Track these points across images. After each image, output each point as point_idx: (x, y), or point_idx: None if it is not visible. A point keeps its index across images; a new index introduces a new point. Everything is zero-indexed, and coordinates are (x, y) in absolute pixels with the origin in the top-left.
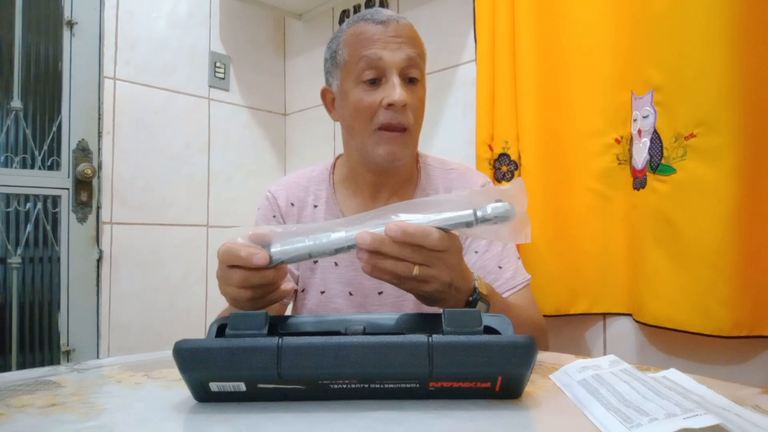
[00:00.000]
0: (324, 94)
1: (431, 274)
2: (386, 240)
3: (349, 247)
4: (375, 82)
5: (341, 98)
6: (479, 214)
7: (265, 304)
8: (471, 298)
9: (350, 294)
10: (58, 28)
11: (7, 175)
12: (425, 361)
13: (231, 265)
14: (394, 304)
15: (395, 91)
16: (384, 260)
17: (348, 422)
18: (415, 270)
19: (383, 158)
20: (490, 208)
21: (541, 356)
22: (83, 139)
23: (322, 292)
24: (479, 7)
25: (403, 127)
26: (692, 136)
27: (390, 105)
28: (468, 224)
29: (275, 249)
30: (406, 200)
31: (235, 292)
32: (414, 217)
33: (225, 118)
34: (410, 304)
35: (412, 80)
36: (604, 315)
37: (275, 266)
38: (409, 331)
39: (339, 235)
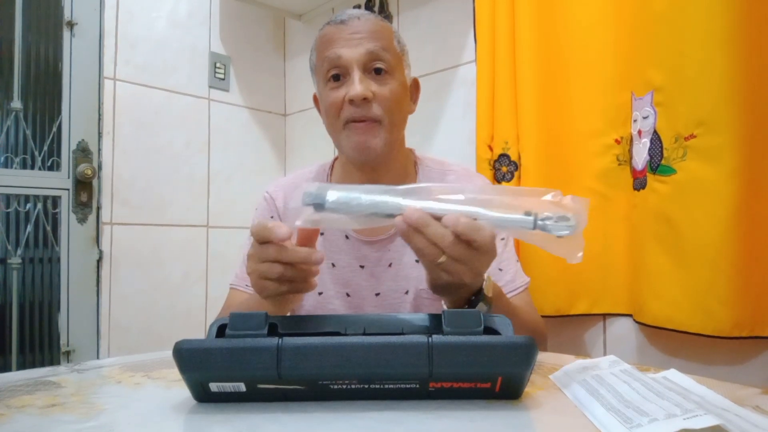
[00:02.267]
0: (314, 100)
1: (457, 269)
2: (431, 224)
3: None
4: (339, 80)
5: (319, 101)
6: (540, 223)
7: (291, 290)
8: (473, 297)
9: (347, 295)
10: (58, 28)
11: (7, 176)
12: (425, 361)
13: (263, 240)
14: (391, 306)
15: (353, 86)
16: (418, 237)
17: (348, 422)
18: (441, 258)
19: (354, 150)
20: (552, 222)
21: (541, 356)
22: (83, 140)
23: (320, 294)
24: (479, 7)
25: (368, 119)
26: (692, 136)
27: (351, 100)
28: (526, 229)
29: (331, 197)
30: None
31: (265, 268)
32: (475, 209)
33: (225, 118)
34: (407, 307)
35: (378, 71)
36: (604, 315)
37: (325, 213)
38: (409, 331)
39: (395, 201)
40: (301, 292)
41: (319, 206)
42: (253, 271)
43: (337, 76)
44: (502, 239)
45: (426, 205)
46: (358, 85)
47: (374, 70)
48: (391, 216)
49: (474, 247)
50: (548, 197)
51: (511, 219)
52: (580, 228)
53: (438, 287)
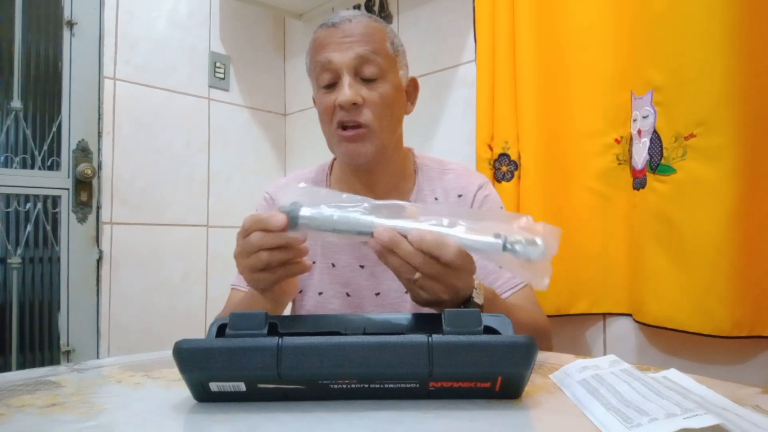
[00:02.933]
0: (314, 100)
1: (432, 287)
2: (402, 243)
3: (372, 234)
4: (332, 85)
5: (316, 104)
6: (509, 246)
7: (283, 275)
8: (463, 306)
9: (347, 295)
10: (58, 28)
11: (7, 175)
12: (425, 361)
13: (251, 233)
14: (391, 306)
15: (342, 91)
16: (392, 257)
17: (348, 422)
18: (416, 275)
19: (345, 157)
20: (522, 246)
21: (541, 356)
22: (83, 139)
23: (320, 294)
24: (479, 7)
25: (358, 124)
26: (692, 136)
27: (341, 105)
28: (495, 252)
29: (304, 213)
30: (447, 204)
31: (253, 260)
32: (445, 230)
33: (225, 118)
34: (407, 306)
35: (368, 79)
36: (604, 315)
37: (299, 230)
38: (409, 331)
39: (367, 219)
40: (296, 274)
41: (293, 222)
42: (243, 267)
43: (331, 83)
44: None
45: (397, 224)
46: (347, 90)
47: (365, 77)
48: (364, 233)
49: (443, 264)
50: (521, 222)
51: (481, 241)
52: (549, 254)
53: (421, 303)
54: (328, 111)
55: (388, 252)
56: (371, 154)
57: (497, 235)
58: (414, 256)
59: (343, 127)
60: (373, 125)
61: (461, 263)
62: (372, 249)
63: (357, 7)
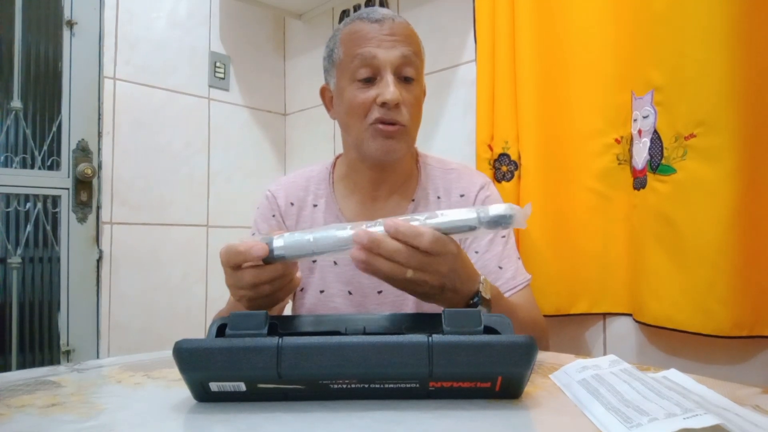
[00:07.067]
0: (323, 92)
1: (422, 278)
2: (382, 240)
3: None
4: (370, 81)
5: (338, 96)
6: (482, 216)
7: (283, 296)
8: (471, 302)
9: (349, 293)
10: (58, 28)
11: (7, 175)
12: (425, 361)
13: (235, 265)
14: (393, 303)
15: (388, 89)
16: (377, 260)
17: (348, 422)
18: (409, 273)
19: (378, 152)
20: (493, 210)
21: (541, 356)
22: (83, 139)
23: (321, 292)
24: (479, 7)
25: (397, 123)
26: (692, 136)
27: (384, 103)
28: (471, 228)
29: (278, 244)
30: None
31: (251, 293)
32: (416, 219)
33: (225, 118)
34: (410, 304)
35: (407, 79)
36: (604, 315)
37: (280, 261)
38: (409, 331)
39: (343, 233)
40: (291, 292)
41: (269, 256)
42: (240, 297)
43: (368, 78)
44: (503, 237)
45: (372, 229)
46: (393, 89)
47: (404, 76)
48: (344, 248)
49: (423, 252)
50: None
51: (455, 218)
52: (522, 212)
53: (426, 299)
54: (364, 106)
55: (373, 257)
56: (403, 152)
57: (468, 210)
58: (400, 252)
59: (380, 123)
60: (408, 125)
61: (439, 248)
62: (354, 260)
63: (357, 7)
